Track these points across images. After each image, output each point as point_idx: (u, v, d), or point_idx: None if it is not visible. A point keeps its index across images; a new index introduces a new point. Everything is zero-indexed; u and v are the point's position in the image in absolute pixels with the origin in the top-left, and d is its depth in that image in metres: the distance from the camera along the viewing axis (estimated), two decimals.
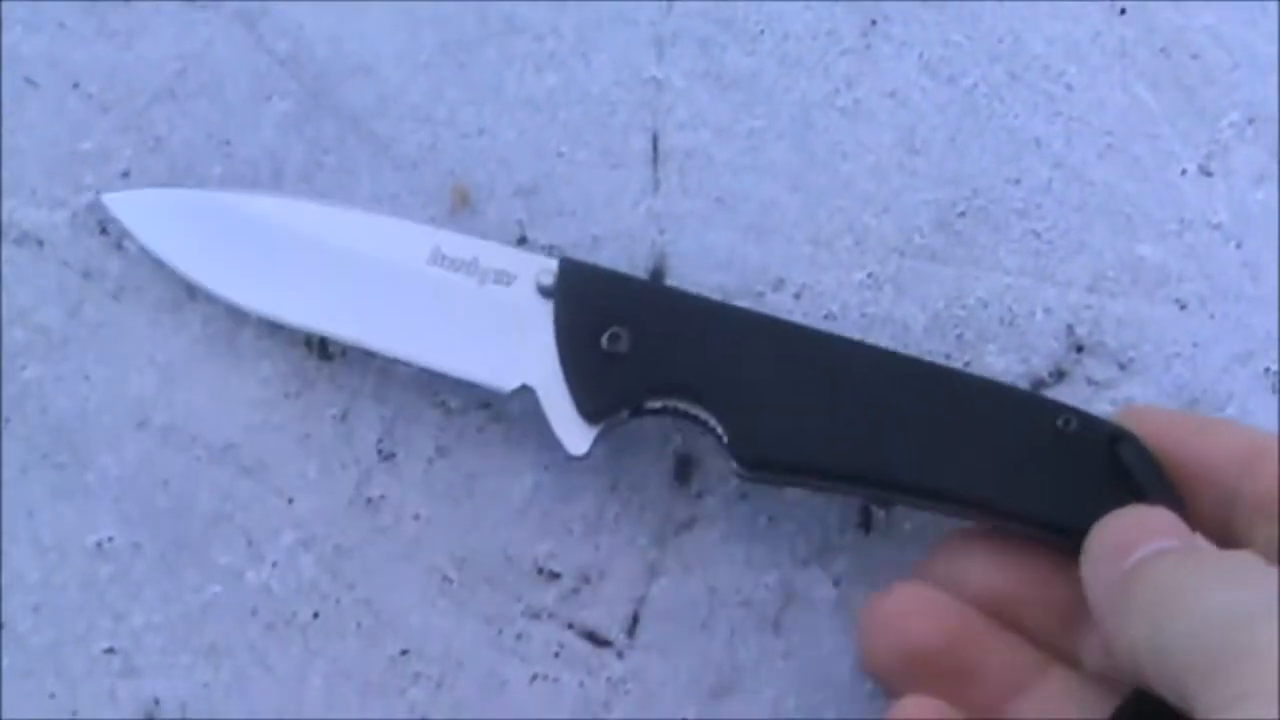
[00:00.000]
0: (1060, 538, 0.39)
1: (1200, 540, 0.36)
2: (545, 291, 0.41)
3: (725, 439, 0.40)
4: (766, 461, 0.40)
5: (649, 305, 0.42)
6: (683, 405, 0.41)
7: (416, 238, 0.42)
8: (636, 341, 0.41)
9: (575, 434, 0.41)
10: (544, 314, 0.41)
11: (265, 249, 0.43)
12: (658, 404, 0.41)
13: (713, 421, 0.41)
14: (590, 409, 0.41)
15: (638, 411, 0.41)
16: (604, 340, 0.41)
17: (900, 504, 0.41)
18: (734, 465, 0.41)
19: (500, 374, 0.41)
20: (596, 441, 0.41)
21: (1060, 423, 0.40)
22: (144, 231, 0.44)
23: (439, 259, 0.42)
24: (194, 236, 0.43)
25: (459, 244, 0.42)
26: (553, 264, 0.42)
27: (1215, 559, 0.35)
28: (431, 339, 0.42)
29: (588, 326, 0.41)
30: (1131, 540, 0.35)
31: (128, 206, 0.44)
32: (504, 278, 0.42)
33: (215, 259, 0.43)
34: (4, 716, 0.42)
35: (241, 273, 0.43)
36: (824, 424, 0.40)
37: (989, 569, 0.40)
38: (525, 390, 0.41)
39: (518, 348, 0.41)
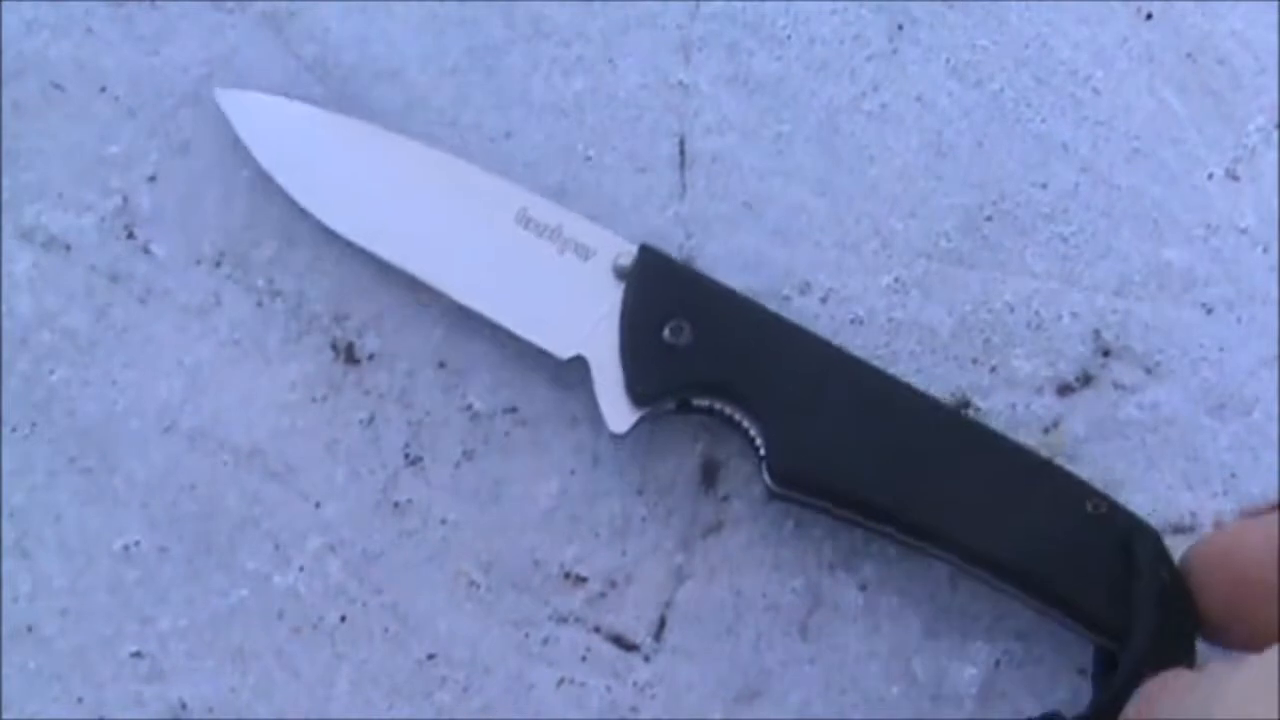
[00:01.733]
0: (1069, 617, 0.39)
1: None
2: (620, 273, 0.42)
3: (762, 450, 0.41)
4: (798, 479, 0.41)
5: (717, 306, 0.42)
6: (728, 409, 0.41)
7: (507, 195, 0.43)
8: (698, 337, 0.41)
9: (620, 413, 0.41)
10: (614, 293, 0.42)
11: (363, 175, 0.43)
12: (704, 402, 0.41)
13: (754, 430, 0.41)
14: (639, 391, 0.41)
15: (683, 406, 0.42)
16: (666, 330, 0.41)
17: (916, 548, 0.41)
18: (766, 478, 0.41)
19: (559, 341, 0.42)
20: (637, 425, 0.41)
21: (1090, 506, 0.40)
22: (251, 136, 0.44)
23: (525, 220, 0.43)
24: (299, 150, 0.44)
25: (546, 209, 0.43)
26: (633, 248, 0.42)
27: None
28: (501, 293, 0.42)
29: (654, 313, 0.41)
30: None
31: (238, 105, 0.44)
32: (583, 251, 0.43)
33: (314, 175, 0.44)
34: None
35: (336, 192, 0.43)
36: (861, 455, 0.40)
37: None
38: (579, 361, 0.42)
39: (581, 319, 0.42)
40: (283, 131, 0.44)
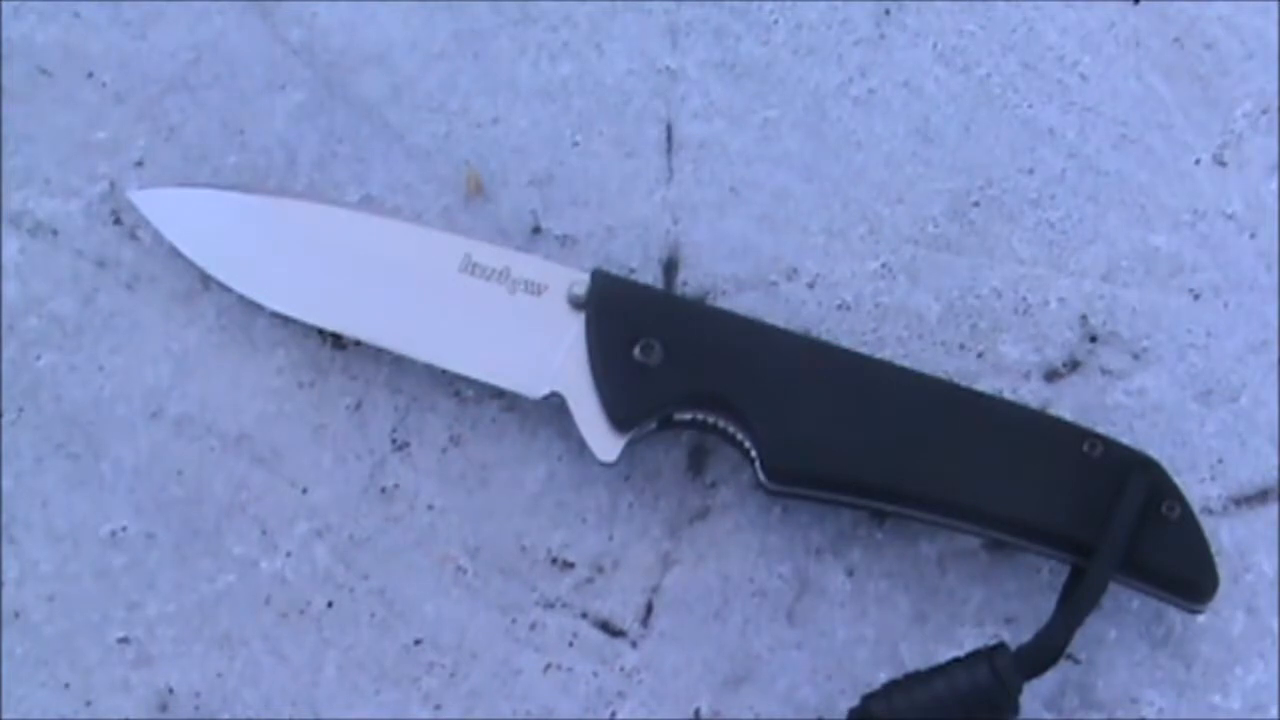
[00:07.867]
0: (1086, 559, 0.39)
1: None
2: (576, 303, 0.42)
3: (753, 452, 0.41)
4: (795, 475, 0.41)
5: (681, 318, 0.42)
6: (712, 418, 0.41)
7: (448, 246, 0.43)
8: (668, 353, 0.41)
9: (605, 442, 0.41)
10: (574, 324, 0.42)
11: (299, 254, 0.43)
12: (687, 415, 0.41)
13: (741, 435, 0.41)
14: (620, 417, 0.41)
15: (666, 423, 0.42)
16: (636, 351, 0.41)
17: (923, 521, 0.42)
18: (761, 478, 0.41)
19: (529, 381, 0.42)
20: (625, 450, 0.41)
21: (1087, 447, 0.40)
22: (181, 237, 0.44)
23: (470, 267, 0.43)
24: (233, 242, 0.43)
25: (490, 253, 0.43)
26: (584, 276, 0.42)
27: None
28: (461, 345, 0.42)
29: (620, 337, 0.41)
30: None
31: (158, 206, 0.44)
32: (534, 288, 0.42)
33: (246, 263, 0.43)
34: (19, 705, 0.42)
35: (272, 277, 0.43)
36: (853, 440, 0.40)
37: None
38: (554, 397, 0.42)
39: (547, 356, 0.42)
40: (211, 226, 0.43)
